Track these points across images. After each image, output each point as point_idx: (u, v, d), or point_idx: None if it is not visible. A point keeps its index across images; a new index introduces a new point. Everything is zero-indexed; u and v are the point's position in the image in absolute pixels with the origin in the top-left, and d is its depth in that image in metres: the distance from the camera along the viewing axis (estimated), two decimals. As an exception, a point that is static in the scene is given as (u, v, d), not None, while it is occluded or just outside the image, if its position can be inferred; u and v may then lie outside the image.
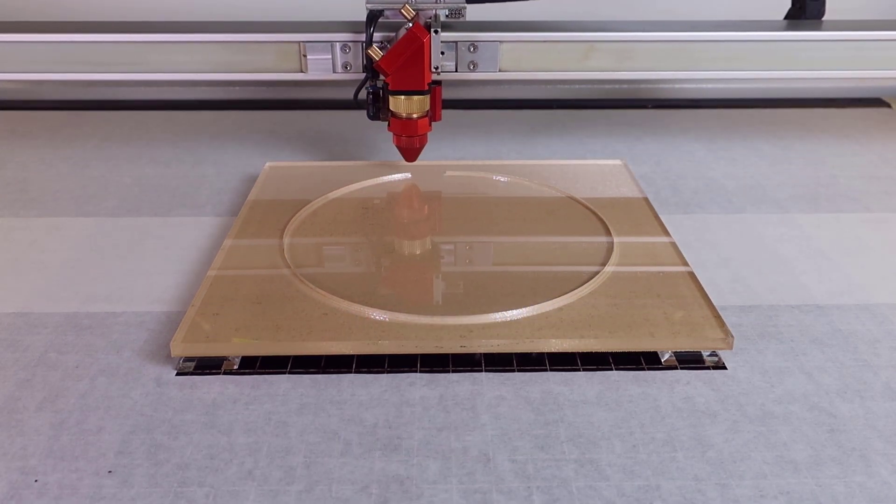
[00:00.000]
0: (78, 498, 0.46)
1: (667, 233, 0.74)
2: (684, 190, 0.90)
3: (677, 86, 1.22)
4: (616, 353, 0.59)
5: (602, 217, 0.77)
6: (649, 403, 0.55)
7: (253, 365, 0.58)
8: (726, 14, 1.22)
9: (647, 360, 0.59)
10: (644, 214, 0.78)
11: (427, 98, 0.82)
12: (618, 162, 0.91)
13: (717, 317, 0.60)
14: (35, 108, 1.16)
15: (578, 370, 0.58)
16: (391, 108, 0.83)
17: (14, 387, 0.56)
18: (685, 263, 0.68)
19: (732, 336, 0.58)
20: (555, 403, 0.54)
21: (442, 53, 0.84)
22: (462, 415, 0.53)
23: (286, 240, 0.73)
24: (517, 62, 0.89)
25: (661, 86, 1.22)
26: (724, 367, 0.58)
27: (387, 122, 0.85)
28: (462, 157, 0.98)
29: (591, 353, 0.59)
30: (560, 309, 0.61)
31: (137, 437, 0.51)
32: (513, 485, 0.47)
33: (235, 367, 0.58)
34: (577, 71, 0.90)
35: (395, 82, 0.81)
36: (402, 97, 0.81)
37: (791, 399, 0.55)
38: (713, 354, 0.59)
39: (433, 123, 0.85)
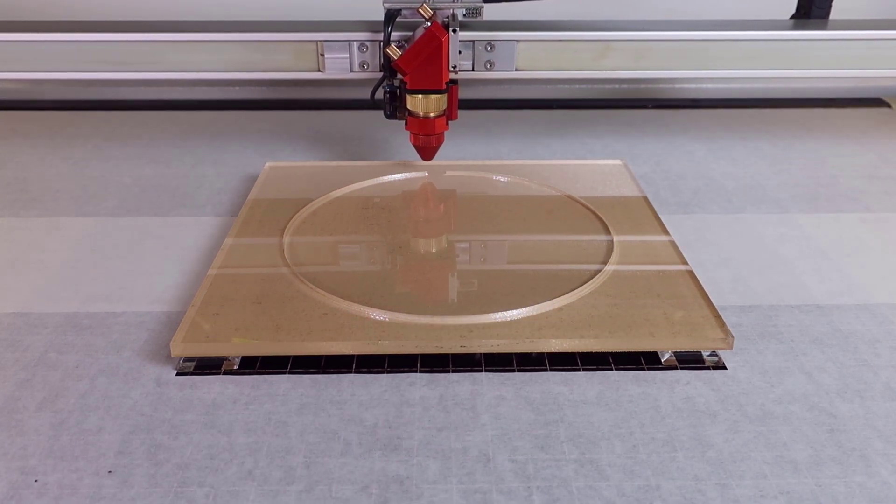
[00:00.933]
0: (78, 498, 0.46)
1: (667, 233, 0.74)
2: (684, 190, 0.90)
3: (677, 86, 1.22)
4: (616, 353, 0.59)
5: (602, 217, 0.77)
6: (649, 403, 0.55)
7: (253, 365, 0.58)
8: (726, 14, 1.22)
9: (647, 360, 0.59)
10: (644, 214, 0.78)
11: (444, 97, 0.82)
12: (618, 162, 0.91)
13: (717, 317, 0.60)
14: (35, 108, 1.16)
15: (578, 370, 0.58)
16: (409, 106, 0.83)
17: (14, 387, 0.56)
18: (685, 263, 0.68)
19: (732, 336, 0.58)
20: (555, 403, 0.54)
21: (459, 52, 0.84)
22: (462, 415, 0.53)
23: (286, 239, 0.73)
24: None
25: (661, 86, 1.22)
26: (724, 367, 0.58)
27: (403, 122, 0.85)
28: (462, 157, 0.98)
29: (591, 353, 0.59)
30: (560, 309, 0.61)
31: (137, 437, 0.51)
32: (513, 485, 0.47)
33: (235, 367, 0.58)
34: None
35: (413, 81, 0.81)
36: (420, 96, 0.82)
37: (791, 399, 0.55)
38: (713, 354, 0.59)
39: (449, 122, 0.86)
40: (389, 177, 0.87)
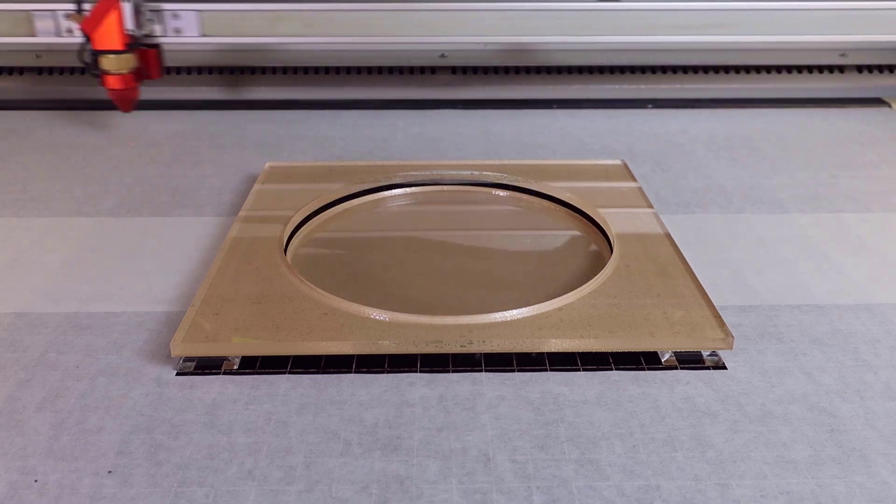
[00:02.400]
0: (78, 498, 0.47)
1: (667, 232, 0.74)
2: (684, 190, 0.90)
3: (677, 85, 1.22)
4: (616, 353, 0.59)
5: (602, 217, 0.77)
6: (649, 403, 0.55)
7: (253, 365, 0.58)
8: None
9: (647, 360, 0.59)
10: (644, 214, 0.78)
11: (130, 57, 0.99)
12: (618, 162, 0.91)
13: (717, 317, 0.60)
14: (35, 108, 1.16)
15: (578, 370, 0.58)
16: (102, 65, 0.99)
17: (14, 387, 0.56)
18: (685, 263, 0.68)
19: (732, 336, 0.58)
20: (555, 403, 0.54)
21: (150, 20, 1.05)
22: (462, 415, 0.53)
23: (286, 239, 0.72)
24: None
25: (660, 85, 1.22)
26: (724, 367, 0.58)
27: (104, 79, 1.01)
28: (462, 157, 0.98)
29: (591, 353, 0.59)
30: (560, 309, 0.61)
31: (137, 437, 0.51)
32: (513, 485, 0.47)
33: (235, 367, 0.58)
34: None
35: (97, 42, 0.97)
36: (107, 56, 0.98)
37: (791, 399, 0.55)
38: (713, 354, 0.59)
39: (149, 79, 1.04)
40: (389, 177, 0.87)
